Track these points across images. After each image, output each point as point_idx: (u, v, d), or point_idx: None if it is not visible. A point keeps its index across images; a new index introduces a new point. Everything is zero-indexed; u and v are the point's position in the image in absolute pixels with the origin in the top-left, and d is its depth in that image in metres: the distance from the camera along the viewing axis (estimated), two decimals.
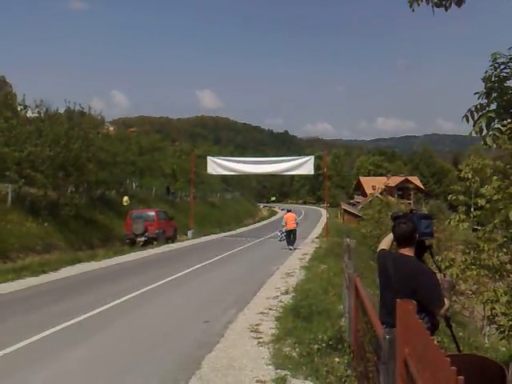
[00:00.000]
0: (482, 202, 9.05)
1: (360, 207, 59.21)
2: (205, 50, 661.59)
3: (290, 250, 22.85)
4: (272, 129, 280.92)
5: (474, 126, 4.13)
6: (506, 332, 8.97)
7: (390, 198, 41.75)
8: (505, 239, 8.96)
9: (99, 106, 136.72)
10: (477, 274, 10.53)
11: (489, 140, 4.01)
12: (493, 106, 4.31)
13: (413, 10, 4.42)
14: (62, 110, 27.20)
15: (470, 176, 10.93)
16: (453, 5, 4.44)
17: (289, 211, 25.36)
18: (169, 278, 13.55)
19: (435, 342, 1.85)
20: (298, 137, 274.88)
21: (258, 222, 59.64)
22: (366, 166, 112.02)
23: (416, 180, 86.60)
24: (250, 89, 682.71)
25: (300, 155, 37.68)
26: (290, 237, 23.80)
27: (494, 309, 9.55)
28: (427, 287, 3.68)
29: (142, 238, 24.76)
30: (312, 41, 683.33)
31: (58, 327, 8.04)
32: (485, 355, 5.99)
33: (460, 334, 9.62)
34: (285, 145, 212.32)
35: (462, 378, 1.48)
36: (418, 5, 4.41)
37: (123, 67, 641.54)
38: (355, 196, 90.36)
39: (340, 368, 5.87)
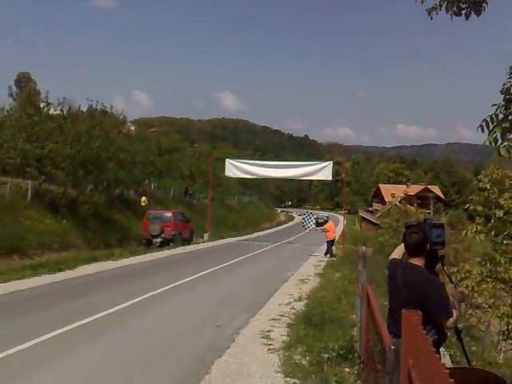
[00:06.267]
0: (499, 213, 8.90)
1: (378, 215, 58.68)
2: (228, 53, 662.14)
3: (334, 259, 22.00)
4: (292, 133, 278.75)
5: (488, 135, 4.08)
6: None
7: (409, 206, 41.34)
8: None
9: (121, 105, 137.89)
10: (492, 288, 10.35)
11: (503, 150, 3.95)
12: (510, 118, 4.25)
13: (431, 18, 4.41)
14: (84, 109, 27.55)
15: (488, 186, 10.77)
16: (473, 13, 4.41)
17: (327, 221, 24.98)
18: (183, 281, 13.58)
19: (438, 355, 1.82)
20: (318, 141, 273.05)
21: (275, 226, 59.51)
22: (385, 173, 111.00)
23: (436, 189, 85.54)
24: (271, 92, 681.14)
25: (319, 160, 37.56)
26: (331, 246, 23.62)
27: (510, 324, 9.38)
28: (434, 298, 3.61)
29: (159, 239, 24.85)
30: (335, 46, 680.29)
31: (71, 326, 8.10)
32: (496, 371, 5.87)
33: (474, 348, 9.45)
34: (304, 149, 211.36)
35: None
36: (437, 13, 4.39)
37: (146, 67, 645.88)
38: (374, 203, 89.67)
39: (350, 379, 5.82)
